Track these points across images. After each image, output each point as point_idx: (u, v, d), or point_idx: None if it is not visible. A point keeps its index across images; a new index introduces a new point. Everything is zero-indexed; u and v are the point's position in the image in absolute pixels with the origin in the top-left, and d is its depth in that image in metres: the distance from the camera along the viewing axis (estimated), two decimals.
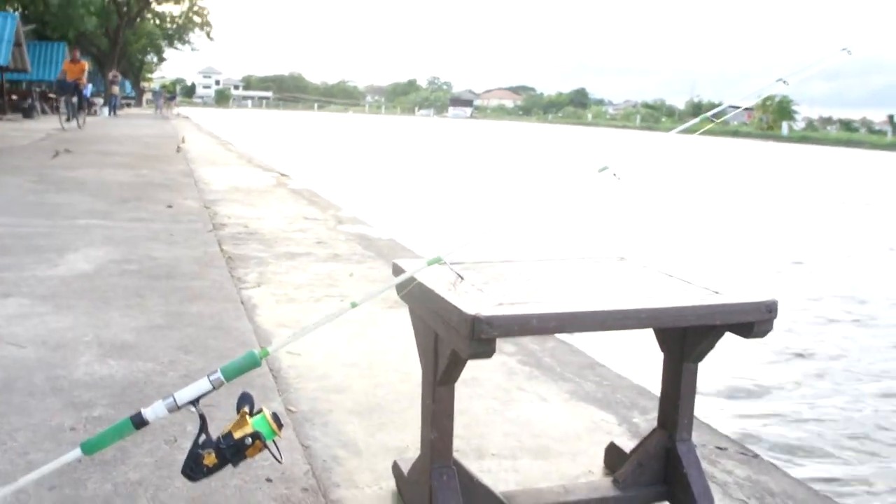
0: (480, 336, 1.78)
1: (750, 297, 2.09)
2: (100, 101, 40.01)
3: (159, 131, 25.21)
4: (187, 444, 2.51)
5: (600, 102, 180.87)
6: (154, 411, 1.73)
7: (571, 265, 2.43)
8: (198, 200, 8.89)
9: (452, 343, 1.91)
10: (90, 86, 25.64)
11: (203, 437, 1.74)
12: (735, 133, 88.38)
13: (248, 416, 1.76)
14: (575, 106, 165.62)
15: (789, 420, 4.93)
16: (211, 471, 1.73)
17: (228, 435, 1.74)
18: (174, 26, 60.31)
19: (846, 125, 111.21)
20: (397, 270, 2.23)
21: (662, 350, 2.37)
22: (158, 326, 3.92)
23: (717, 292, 2.12)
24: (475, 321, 1.77)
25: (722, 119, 2.21)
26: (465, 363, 2.00)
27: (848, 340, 6.99)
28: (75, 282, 4.73)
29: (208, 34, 60.00)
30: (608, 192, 2.11)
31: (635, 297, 2.06)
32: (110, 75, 39.56)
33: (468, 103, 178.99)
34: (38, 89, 34.86)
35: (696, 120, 2.27)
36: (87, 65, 22.19)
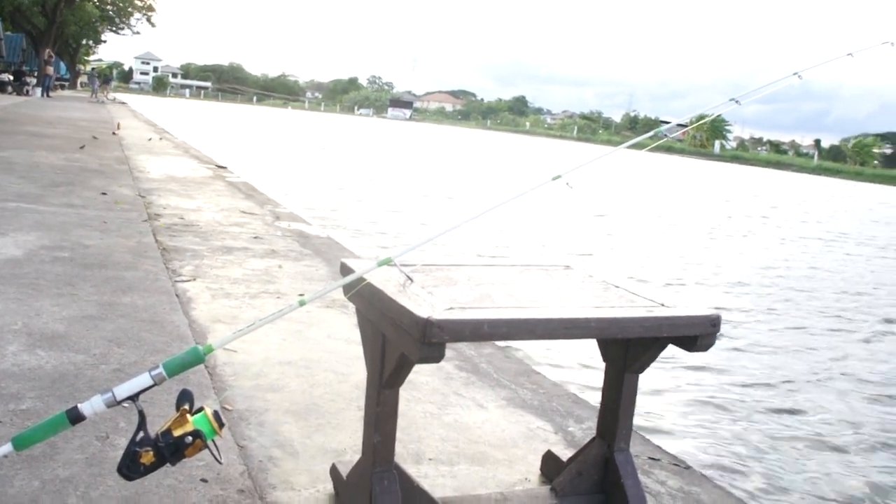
0: (431, 340, 1.77)
1: (695, 311, 2.11)
2: (33, 80, 38.93)
3: (94, 115, 24.61)
4: (120, 441, 2.46)
5: (539, 111, 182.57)
6: (92, 406, 1.67)
7: (519, 272, 2.43)
8: (133, 189, 8.70)
9: (401, 346, 1.89)
10: None
11: (141, 435, 1.69)
12: (669, 149, 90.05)
13: (188, 414, 1.72)
14: (514, 113, 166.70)
15: (719, 431, 5.02)
16: (148, 469, 1.68)
17: (168, 432, 1.69)
18: (114, 8, 58.81)
19: (776, 147, 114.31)
20: (345, 270, 2.19)
21: (605, 360, 2.38)
22: (90, 317, 3.81)
23: (662, 304, 2.15)
24: (427, 325, 1.76)
25: (667, 137, 2.24)
26: (413, 366, 1.98)
27: (779, 351, 7.16)
28: (4, 267, 4.57)
29: (149, 19, 58.75)
30: (556, 200, 2.12)
31: (583, 307, 2.06)
32: (45, 54, 38.48)
33: (408, 105, 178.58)
34: None
35: (648, 135, 2.31)
36: None
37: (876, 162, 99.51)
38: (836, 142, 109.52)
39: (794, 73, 2.23)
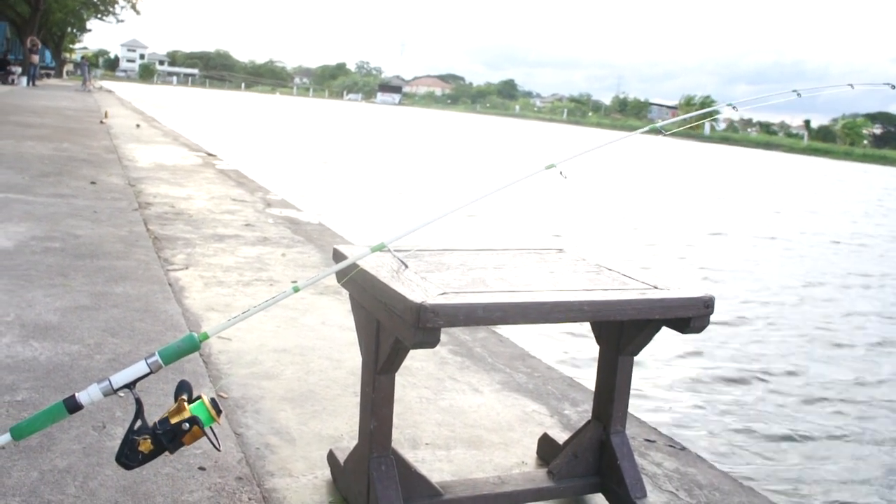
0: (426, 325, 1.77)
1: (688, 293, 2.12)
2: (18, 69, 38.57)
3: (81, 104, 24.46)
4: (117, 431, 2.46)
5: (528, 95, 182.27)
6: (89, 395, 1.67)
7: (512, 256, 2.43)
8: (122, 178, 8.66)
9: (396, 331, 1.89)
10: None
11: (139, 423, 1.69)
12: (658, 131, 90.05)
13: (185, 403, 1.71)
14: (503, 97, 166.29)
15: (716, 413, 5.05)
16: (147, 458, 1.68)
17: (165, 420, 1.68)
18: None
19: (766, 128, 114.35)
20: (338, 256, 2.19)
21: (599, 343, 2.39)
22: (84, 307, 3.80)
23: (655, 287, 2.15)
24: (421, 310, 1.76)
25: (664, 133, 2.26)
26: (408, 352, 1.99)
27: (771, 336, 7.20)
28: None
29: (134, 6, 58.18)
30: (550, 186, 2.12)
31: (577, 290, 2.07)
32: (28, 42, 38.09)
33: (397, 90, 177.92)
34: None
35: (647, 128, 2.33)
36: None
37: (865, 142, 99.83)
38: (825, 122, 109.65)
39: (793, 91, 2.28)
